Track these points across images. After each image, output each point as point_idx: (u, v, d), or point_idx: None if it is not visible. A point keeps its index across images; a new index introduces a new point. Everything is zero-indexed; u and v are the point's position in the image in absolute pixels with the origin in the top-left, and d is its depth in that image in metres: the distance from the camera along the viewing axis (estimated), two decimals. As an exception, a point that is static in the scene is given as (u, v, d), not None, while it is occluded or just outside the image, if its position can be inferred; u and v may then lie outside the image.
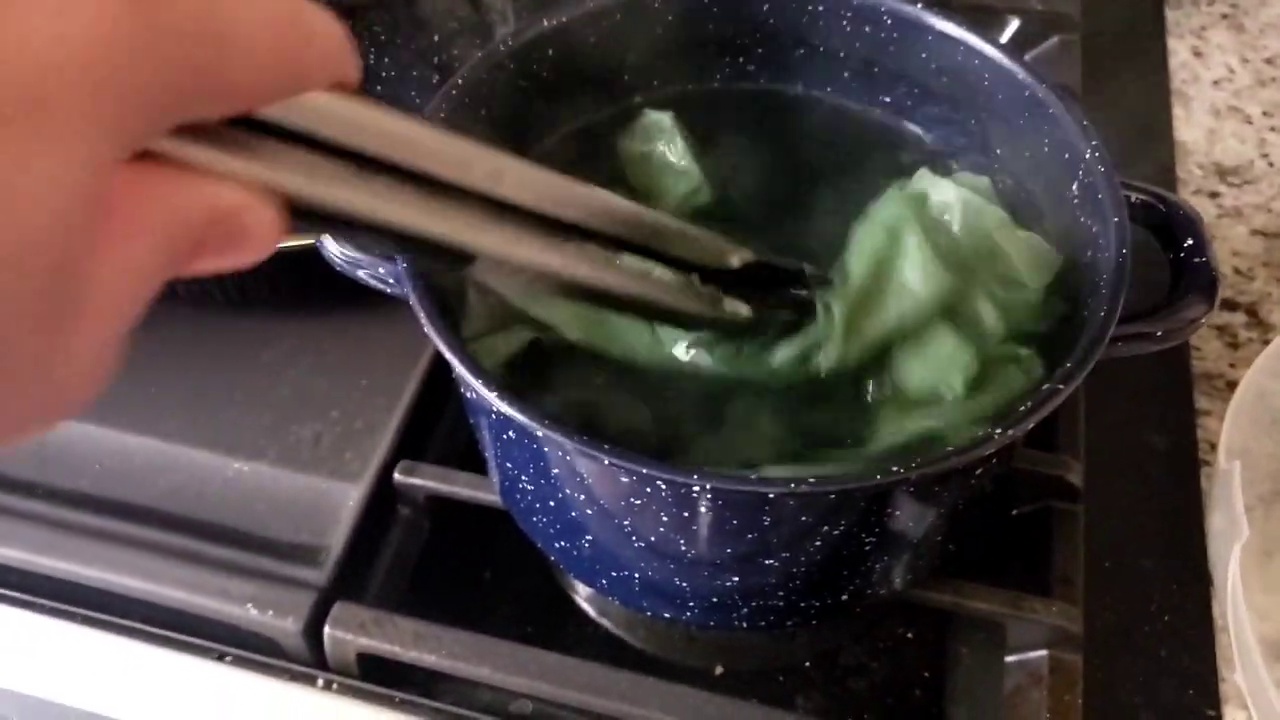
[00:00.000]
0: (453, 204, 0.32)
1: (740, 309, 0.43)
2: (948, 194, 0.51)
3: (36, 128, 0.18)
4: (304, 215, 0.27)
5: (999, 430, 0.38)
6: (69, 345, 0.21)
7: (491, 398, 0.39)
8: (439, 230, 0.31)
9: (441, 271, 0.34)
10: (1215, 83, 0.82)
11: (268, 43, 0.23)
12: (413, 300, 0.42)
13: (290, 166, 0.26)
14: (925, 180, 0.52)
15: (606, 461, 0.37)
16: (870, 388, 0.46)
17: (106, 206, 0.21)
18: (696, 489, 0.38)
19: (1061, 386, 0.39)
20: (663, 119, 0.54)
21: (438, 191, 0.31)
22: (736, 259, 0.43)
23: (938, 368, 0.45)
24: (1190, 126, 0.78)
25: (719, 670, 0.56)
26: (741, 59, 0.58)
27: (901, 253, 0.47)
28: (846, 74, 0.57)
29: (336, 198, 0.28)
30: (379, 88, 0.63)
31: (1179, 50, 0.84)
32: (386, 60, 0.64)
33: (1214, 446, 0.62)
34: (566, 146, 0.56)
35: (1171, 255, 0.48)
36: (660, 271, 0.40)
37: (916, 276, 0.46)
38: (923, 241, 0.46)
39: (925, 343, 0.45)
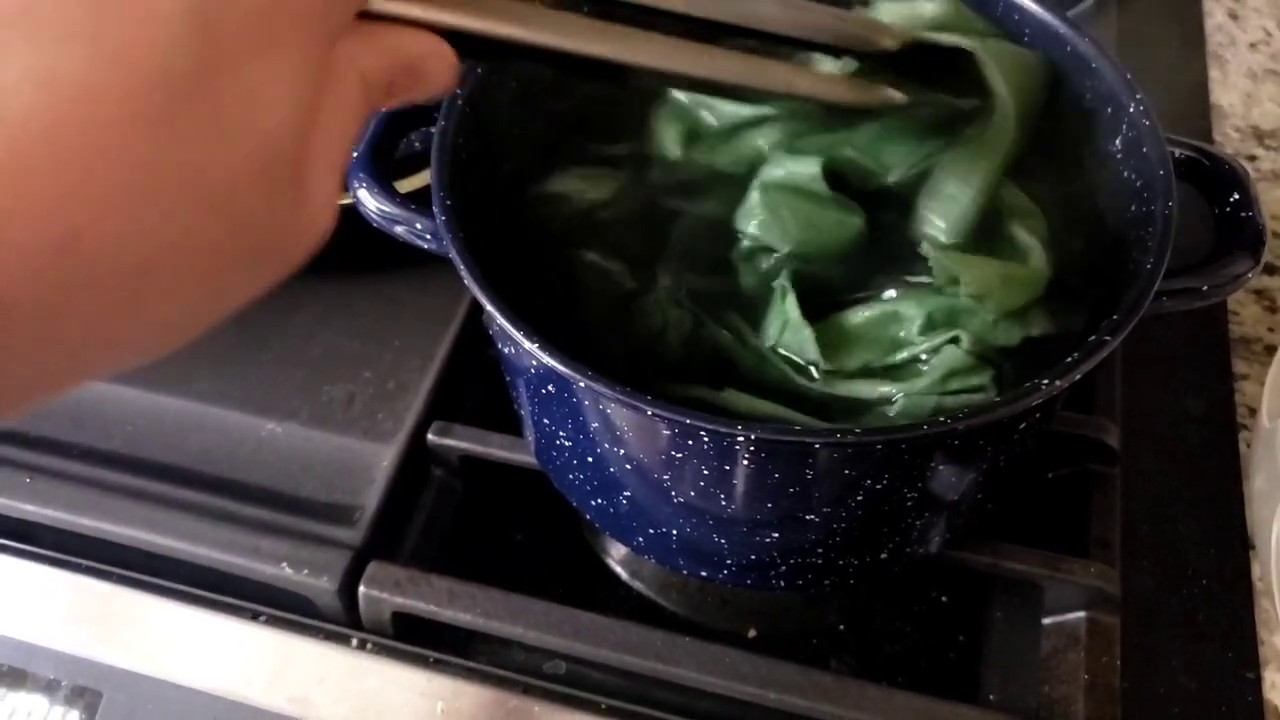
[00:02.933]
0: (601, 24, 0.36)
1: (894, 95, 0.46)
2: None
3: (267, 58, 0.24)
4: (478, 49, 0.32)
5: (1046, 380, 0.38)
6: (307, 200, 0.27)
7: (533, 349, 0.38)
8: (597, 50, 0.35)
9: (603, 85, 0.39)
10: (1252, 45, 0.80)
11: None
12: (452, 254, 0.42)
13: (462, 6, 0.31)
14: None
15: (649, 412, 0.37)
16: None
17: (322, 84, 0.26)
18: (740, 439, 0.38)
19: (1109, 338, 0.39)
20: None
21: (590, 13, 0.36)
22: (890, 40, 0.45)
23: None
24: (1227, 89, 0.77)
25: (752, 633, 0.56)
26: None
27: None
28: (883, 31, 0.56)
29: (507, 31, 0.33)
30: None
31: (1215, 12, 0.83)
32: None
33: (1252, 411, 0.61)
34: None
35: (1216, 210, 0.47)
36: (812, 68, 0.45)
37: None
38: None
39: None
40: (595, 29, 0.35)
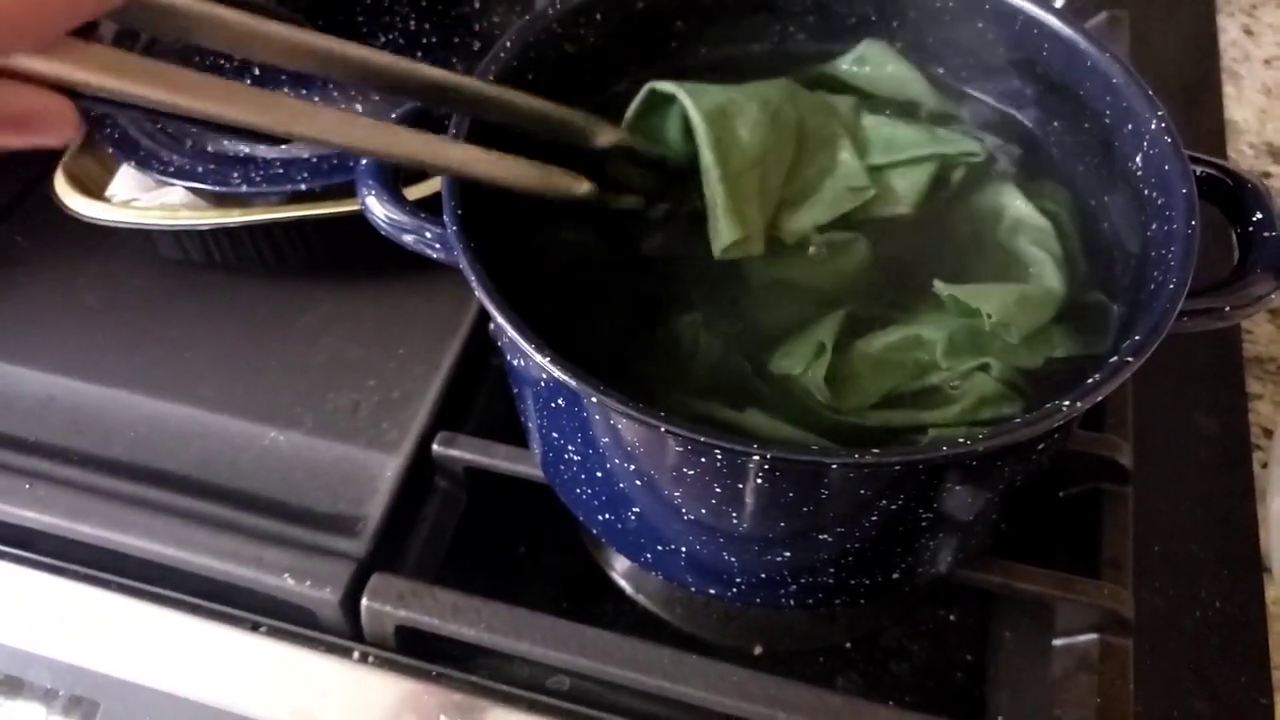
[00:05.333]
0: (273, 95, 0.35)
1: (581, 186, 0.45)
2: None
3: None
4: (107, 100, 0.32)
5: (1067, 402, 0.37)
6: None
7: (545, 363, 0.38)
8: (262, 121, 0.35)
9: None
10: (1267, 61, 0.80)
11: None
12: (463, 264, 0.41)
13: (86, 64, 0.31)
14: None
15: (662, 430, 0.36)
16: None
17: None
18: (755, 459, 0.37)
19: (1131, 359, 0.38)
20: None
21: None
22: (604, 139, 0.46)
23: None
24: (1241, 105, 0.77)
25: (758, 650, 0.55)
26: (792, 27, 0.57)
27: None
28: (900, 44, 0.55)
29: (131, 90, 0.32)
30: (419, 54, 0.62)
31: (1229, 28, 0.82)
32: (427, 26, 0.63)
33: (1266, 431, 0.60)
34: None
35: (1238, 230, 0.46)
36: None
37: None
38: None
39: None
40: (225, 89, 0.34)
